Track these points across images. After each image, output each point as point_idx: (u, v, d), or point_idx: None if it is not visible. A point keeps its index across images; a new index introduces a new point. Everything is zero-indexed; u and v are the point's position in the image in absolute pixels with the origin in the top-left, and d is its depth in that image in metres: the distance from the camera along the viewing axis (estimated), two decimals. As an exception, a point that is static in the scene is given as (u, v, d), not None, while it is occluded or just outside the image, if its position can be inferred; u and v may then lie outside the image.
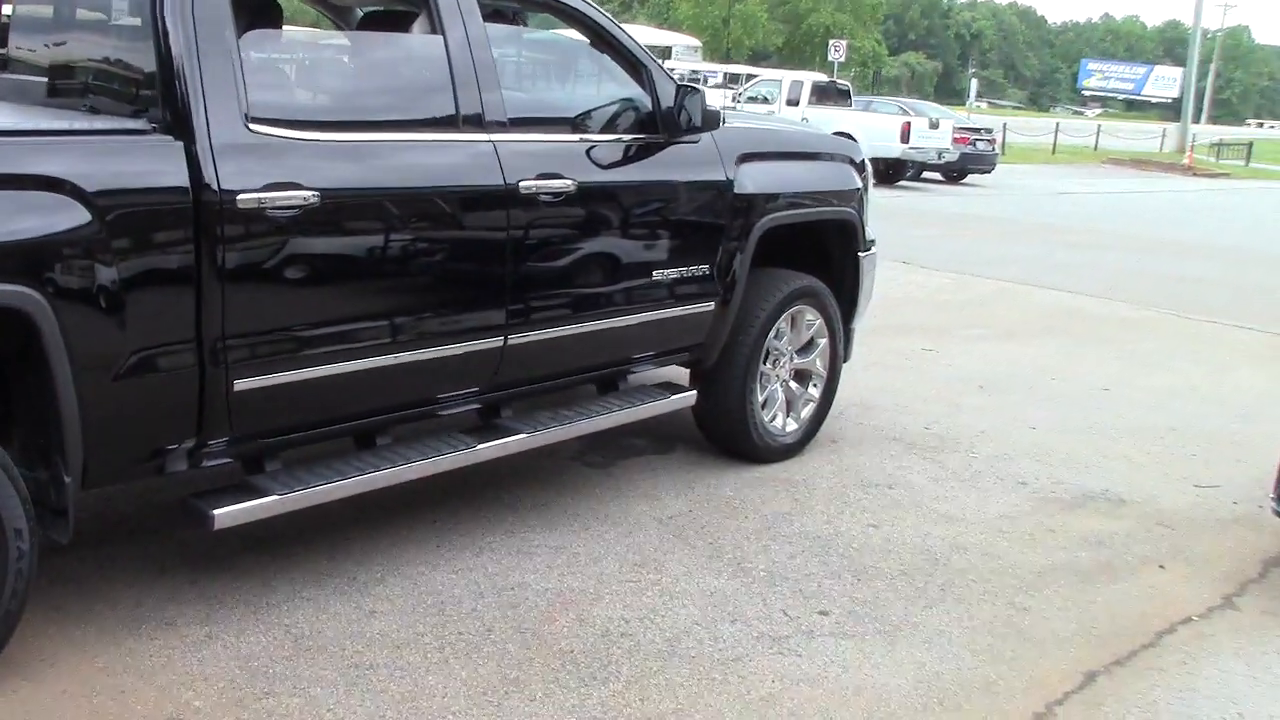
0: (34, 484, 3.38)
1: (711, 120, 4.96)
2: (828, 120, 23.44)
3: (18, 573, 3.27)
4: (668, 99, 4.91)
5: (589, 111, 4.85)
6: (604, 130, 4.83)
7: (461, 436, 4.48)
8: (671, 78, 5.00)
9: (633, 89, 4.94)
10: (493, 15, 4.63)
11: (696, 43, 38.33)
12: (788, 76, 29.95)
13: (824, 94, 28.25)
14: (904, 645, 4.06)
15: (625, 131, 4.89)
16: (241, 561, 4.25)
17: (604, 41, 4.92)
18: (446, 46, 4.21)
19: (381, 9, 4.67)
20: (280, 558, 4.32)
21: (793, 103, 27.57)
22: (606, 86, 4.96)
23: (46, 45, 4.25)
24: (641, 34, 32.20)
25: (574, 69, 5.23)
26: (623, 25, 5.04)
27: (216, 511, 3.68)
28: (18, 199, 3.15)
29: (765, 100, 28.66)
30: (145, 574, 4.13)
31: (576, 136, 4.70)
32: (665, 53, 38.95)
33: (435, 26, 4.22)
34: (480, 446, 4.46)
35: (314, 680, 3.55)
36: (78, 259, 3.25)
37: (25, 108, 3.93)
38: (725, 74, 33.77)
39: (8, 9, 4.27)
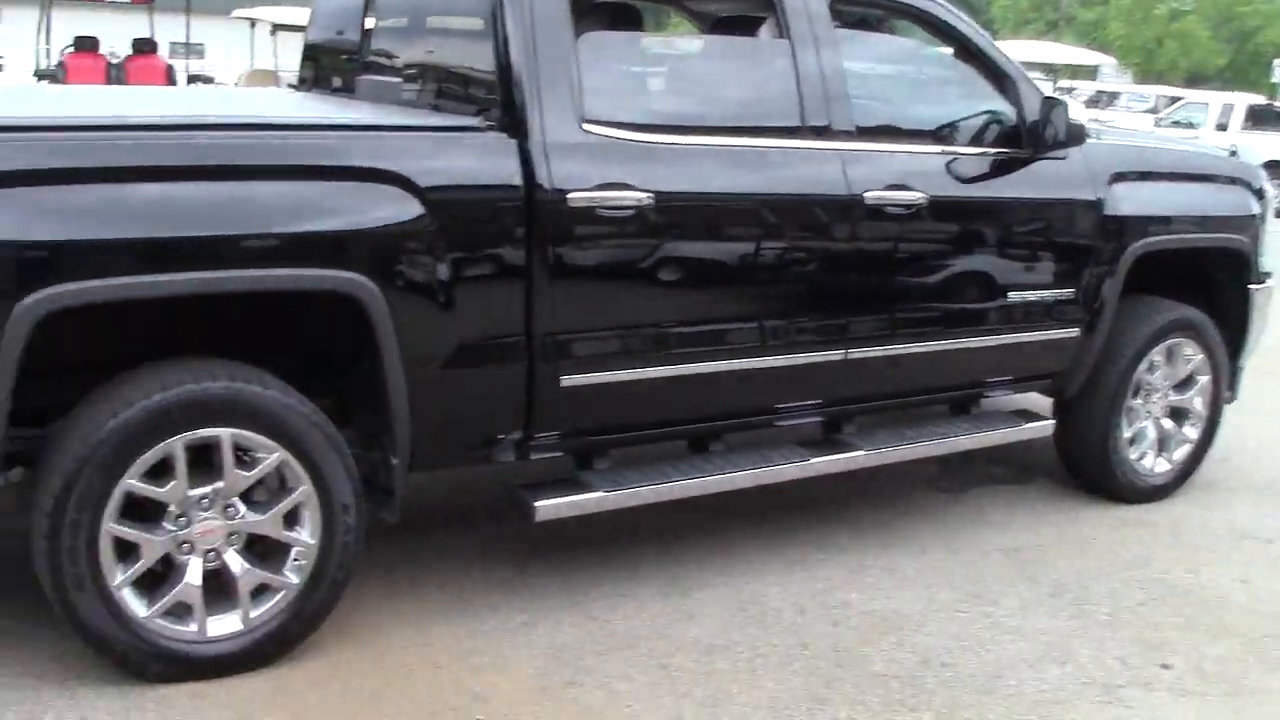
0: (366, 465, 3.62)
1: (1077, 135, 4.69)
2: (1260, 148, 21.60)
3: (344, 545, 3.51)
4: (1033, 112, 4.68)
5: (947, 123, 4.68)
6: (962, 143, 4.65)
7: (797, 448, 4.45)
8: (1038, 89, 4.76)
9: (995, 101, 4.73)
10: (853, 23, 4.58)
11: (1111, 61, 36.30)
12: (1216, 99, 27.88)
13: (1260, 118, 26.05)
14: (1252, 713, 3.67)
15: (985, 145, 4.70)
16: (568, 555, 4.39)
17: (966, 50, 4.75)
18: (793, 53, 4.18)
19: (728, 14, 4.71)
20: (605, 555, 4.42)
21: (1221, 128, 25.60)
22: (967, 98, 4.77)
23: (401, 49, 4.55)
24: (1054, 52, 30.86)
25: (933, 79, 5.07)
26: (1010, 41, 4.84)
27: (539, 503, 3.81)
28: (358, 191, 3.40)
29: (1190, 125, 26.77)
30: (471, 559, 4.34)
31: (931, 148, 4.56)
32: (1091, 73, 37.20)
33: (781, 32, 4.20)
34: (814, 460, 4.41)
35: (620, 676, 3.61)
36: (411, 252, 3.46)
37: (378, 107, 4.24)
38: (1156, 97, 31.79)
39: (370, 19, 4.64)
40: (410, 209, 3.44)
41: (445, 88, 4.10)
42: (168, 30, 21.90)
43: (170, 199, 3.21)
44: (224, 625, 3.44)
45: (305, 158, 3.41)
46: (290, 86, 5.44)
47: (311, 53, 5.27)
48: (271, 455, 3.37)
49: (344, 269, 3.35)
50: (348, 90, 4.75)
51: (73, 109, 4.17)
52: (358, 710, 3.36)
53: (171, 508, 3.32)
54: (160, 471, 3.29)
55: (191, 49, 23.77)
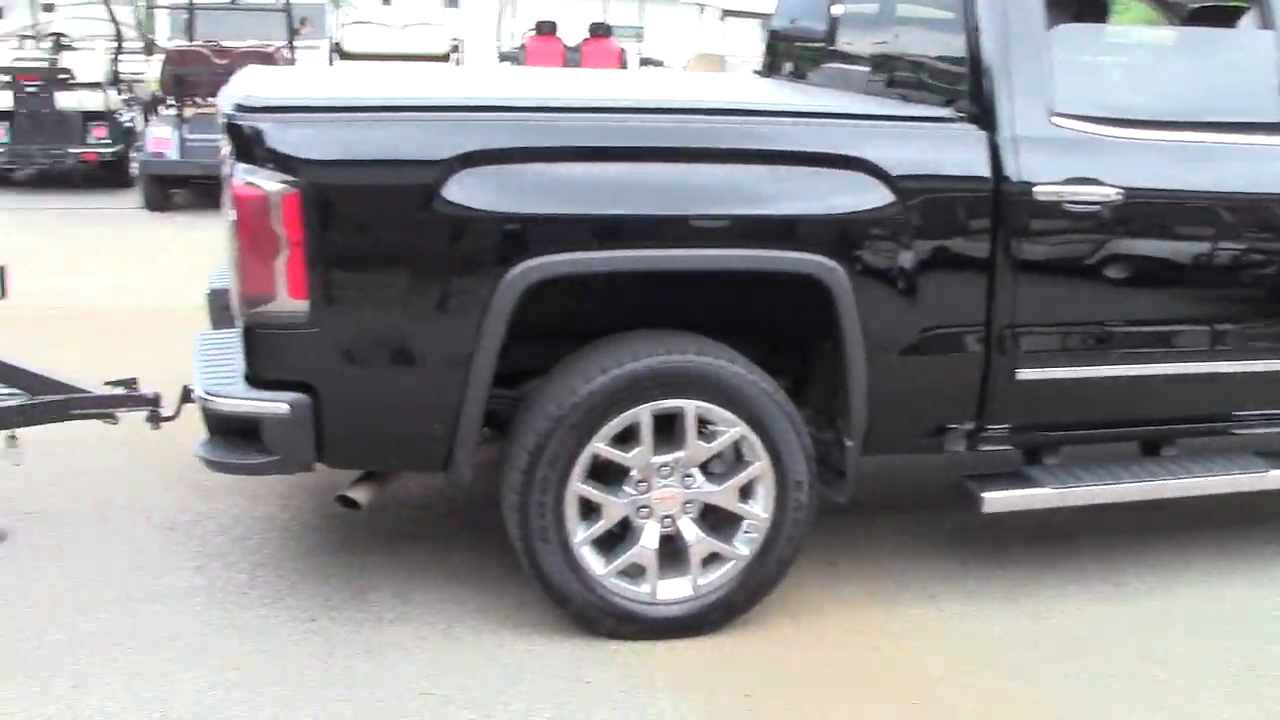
0: (819, 444, 3.72)
1: None
2: None
3: (794, 521, 3.62)
4: None
5: None
6: None
7: (1254, 458, 4.18)
8: None
9: None
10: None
11: None
12: None
13: None
14: None
15: None
16: (1010, 550, 4.33)
17: None
18: (1278, 45, 3.93)
19: (1204, 4, 4.45)
20: (1047, 552, 4.33)
21: None
22: None
23: (868, 38, 4.61)
24: None
25: None
26: None
27: (986, 495, 3.79)
28: (829, 177, 3.50)
29: None
30: (913, 547, 4.35)
31: None
32: None
33: (1266, 22, 3.94)
34: (1273, 472, 4.13)
35: (1070, 678, 3.53)
36: (877, 238, 3.52)
37: (847, 94, 4.31)
38: None
39: (838, 7, 4.69)
40: (881, 196, 3.50)
41: (912, 77, 4.13)
42: (614, 14, 23.03)
43: (657, 179, 3.43)
44: (674, 590, 3.62)
45: (791, 144, 3.53)
46: (755, 72, 5.60)
47: (776, 39, 5.42)
48: (732, 429, 3.51)
49: (811, 252, 3.45)
50: (811, 77, 4.85)
51: (560, 91, 4.47)
52: (804, 683, 3.46)
53: (634, 473, 3.52)
54: (626, 437, 3.50)
55: (632, 33, 24.86)
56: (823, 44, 4.82)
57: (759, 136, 3.54)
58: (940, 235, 3.58)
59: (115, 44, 13.86)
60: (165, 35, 13.56)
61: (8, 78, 12.54)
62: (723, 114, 3.68)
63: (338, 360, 3.31)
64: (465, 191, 3.25)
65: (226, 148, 3.48)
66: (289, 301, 3.24)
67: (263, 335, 3.32)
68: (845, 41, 4.70)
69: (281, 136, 3.23)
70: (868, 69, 4.43)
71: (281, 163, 3.19)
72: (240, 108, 3.31)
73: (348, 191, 3.29)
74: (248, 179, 3.19)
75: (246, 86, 3.66)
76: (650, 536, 3.57)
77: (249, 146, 3.24)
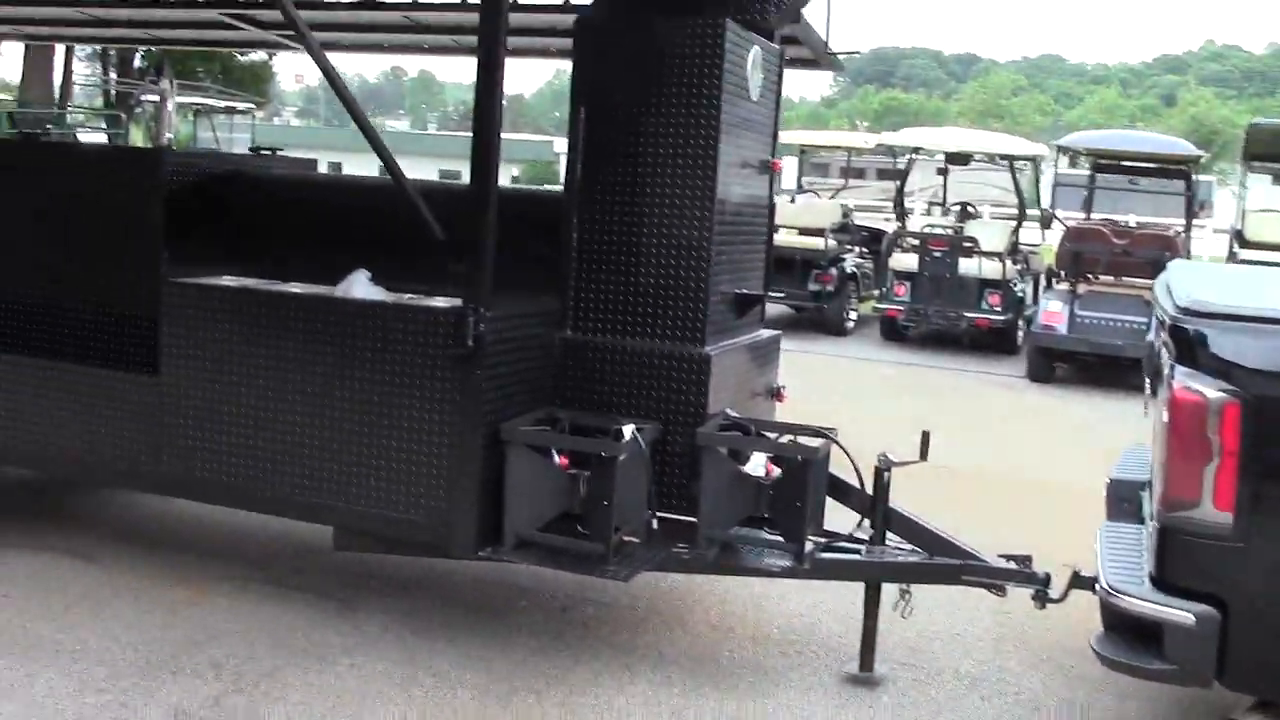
0: None
1: None
2: None
3: None
4: None
5: None
6: None
7: None
8: None
9: None
10: None
11: None
12: None
13: None
14: None
15: None
16: None
17: None
18: None
19: None
20: None
21: None
22: None
23: None
24: None
25: None
26: None
27: None
28: None
29: None
30: None
31: None
32: None
33: None
34: None
35: None
36: None
37: None
38: None
39: None
40: None
41: None
42: None
43: None
44: None
45: None
46: None
47: None
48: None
49: None
50: None
51: None
52: None
53: None
54: None
55: None
56: None
57: None
58: None
59: (1017, 216, 14.48)
60: (1063, 210, 13.92)
61: (916, 242, 13.65)
62: None
63: (1257, 578, 3.17)
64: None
65: (1162, 347, 3.50)
66: (1213, 511, 3.16)
67: (1179, 541, 3.27)
68: None
69: (1225, 344, 3.20)
70: None
71: (1224, 371, 3.15)
72: (1184, 311, 3.31)
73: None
74: (1187, 384, 3.18)
75: (1186, 287, 3.65)
76: None
77: (1191, 351, 3.23)
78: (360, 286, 4.64)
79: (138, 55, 24.59)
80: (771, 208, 5.19)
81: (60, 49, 23.61)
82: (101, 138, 23.52)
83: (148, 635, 4.43)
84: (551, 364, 4.62)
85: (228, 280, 4.87)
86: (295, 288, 4.78)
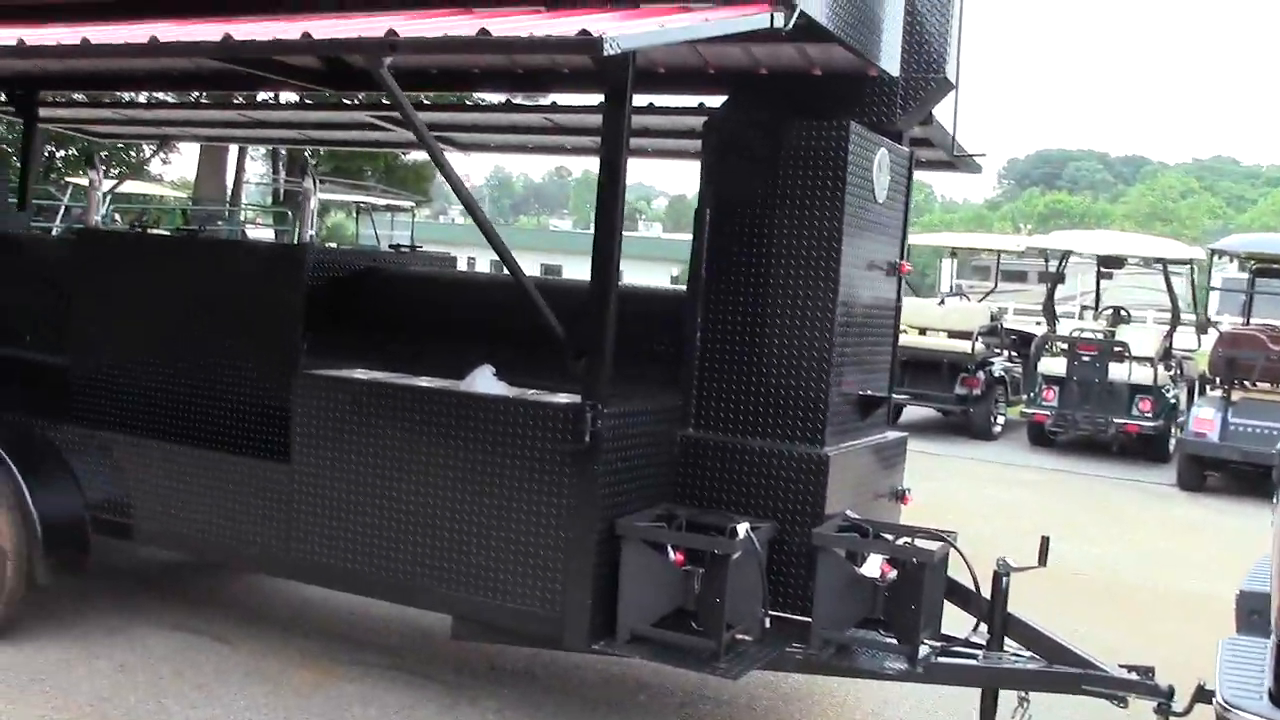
0: None
1: None
2: None
3: None
4: None
5: None
6: None
7: None
8: None
9: None
10: None
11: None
12: None
13: None
14: None
15: None
16: None
17: None
18: None
19: None
20: None
21: None
22: None
23: None
24: None
25: None
26: None
27: None
28: None
29: None
30: None
31: None
32: None
33: None
34: None
35: None
36: None
37: None
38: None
39: None
40: None
41: None
42: None
43: None
44: None
45: None
46: None
47: None
48: None
49: None
50: None
51: None
52: None
53: None
54: None
55: None
56: None
57: None
58: None
59: (1171, 320, 14.10)
60: (1229, 315, 13.50)
61: (1065, 345, 13.36)
62: None
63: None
64: None
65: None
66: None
67: (1295, 655, 3.12)
68: None
69: None
70: None
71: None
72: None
73: None
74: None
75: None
76: None
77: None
78: (484, 381, 4.73)
79: (307, 155, 25.67)
80: (898, 309, 5.17)
81: (233, 148, 24.73)
82: (270, 234, 24.52)
83: (275, 717, 4.54)
84: (671, 460, 4.64)
85: (359, 373, 5.01)
86: (423, 381, 4.90)
